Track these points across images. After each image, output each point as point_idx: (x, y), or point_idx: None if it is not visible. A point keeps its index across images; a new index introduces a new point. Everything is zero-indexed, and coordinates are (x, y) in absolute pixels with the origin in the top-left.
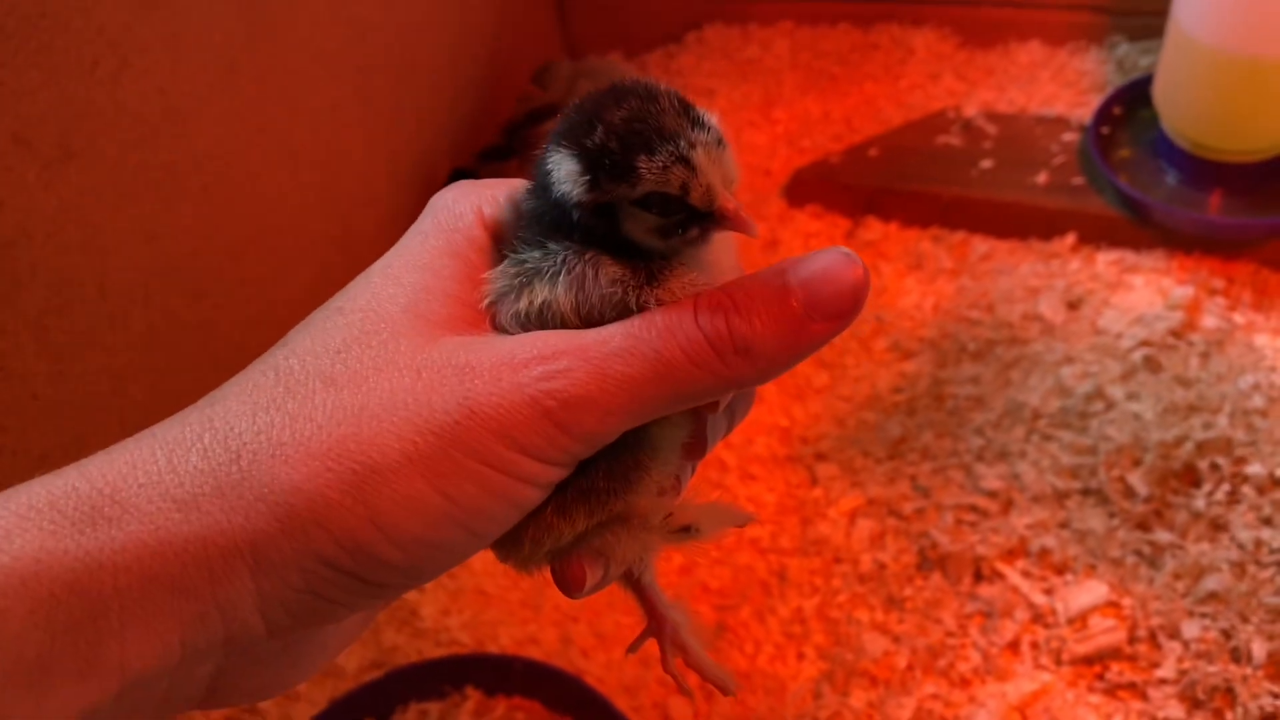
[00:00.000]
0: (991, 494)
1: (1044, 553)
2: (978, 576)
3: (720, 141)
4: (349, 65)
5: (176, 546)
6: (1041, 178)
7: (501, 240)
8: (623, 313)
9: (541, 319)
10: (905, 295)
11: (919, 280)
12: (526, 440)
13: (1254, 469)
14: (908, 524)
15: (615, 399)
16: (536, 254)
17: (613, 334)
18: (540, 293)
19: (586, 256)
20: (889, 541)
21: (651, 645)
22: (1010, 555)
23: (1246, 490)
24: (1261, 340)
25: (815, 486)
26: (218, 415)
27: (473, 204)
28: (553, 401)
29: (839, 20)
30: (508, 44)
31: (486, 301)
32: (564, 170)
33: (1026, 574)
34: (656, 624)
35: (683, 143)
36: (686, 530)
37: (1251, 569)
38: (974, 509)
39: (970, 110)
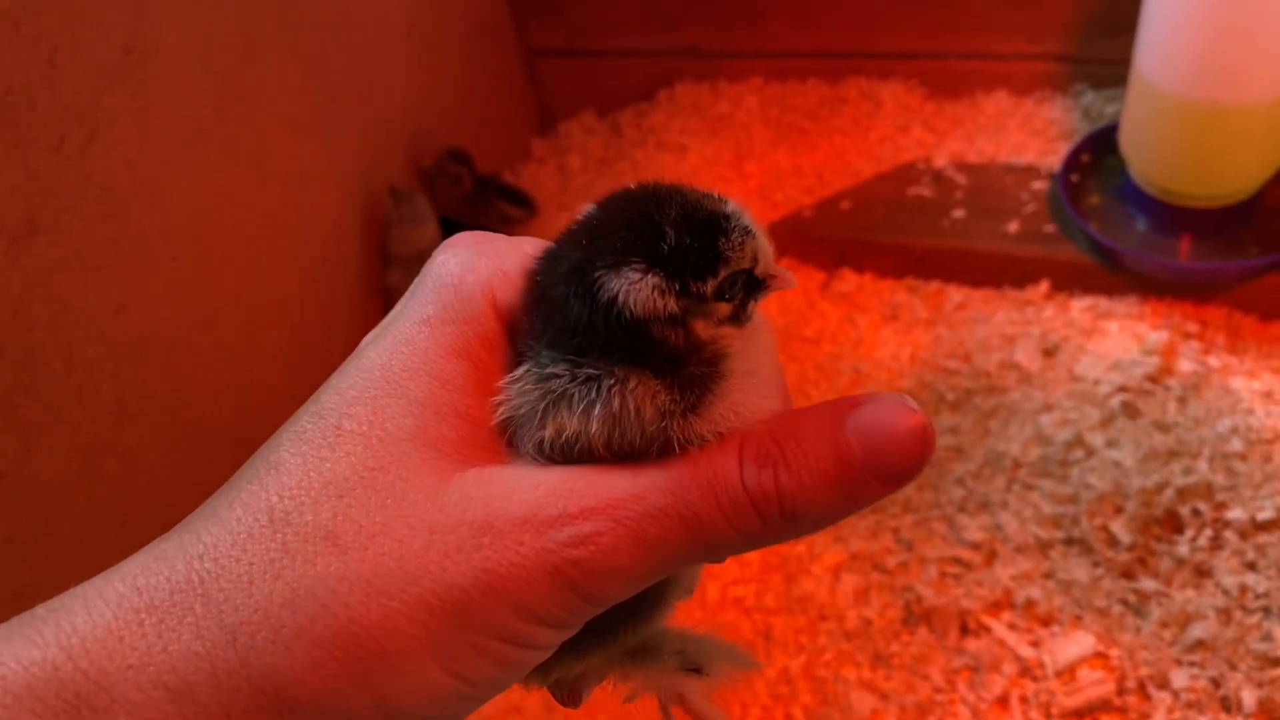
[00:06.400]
0: (974, 545)
1: (1029, 604)
2: (964, 630)
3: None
4: (320, 130)
5: None
6: (1013, 226)
7: (513, 329)
8: (661, 447)
9: (566, 451)
10: (882, 346)
11: (895, 331)
12: (544, 611)
13: (1235, 514)
14: (892, 578)
15: (645, 565)
16: (563, 371)
17: (648, 488)
18: (569, 423)
19: (630, 386)
20: (874, 596)
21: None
22: (996, 607)
23: (1229, 535)
24: (1237, 383)
25: (798, 542)
26: (209, 575)
27: (483, 282)
28: (578, 573)
29: (808, 75)
30: (480, 104)
31: (501, 418)
32: (647, 288)
33: (1013, 626)
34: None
35: (734, 216)
36: (696, 670)
37: (1238, 615)
38: (957, 561)
39: (940, 161)
